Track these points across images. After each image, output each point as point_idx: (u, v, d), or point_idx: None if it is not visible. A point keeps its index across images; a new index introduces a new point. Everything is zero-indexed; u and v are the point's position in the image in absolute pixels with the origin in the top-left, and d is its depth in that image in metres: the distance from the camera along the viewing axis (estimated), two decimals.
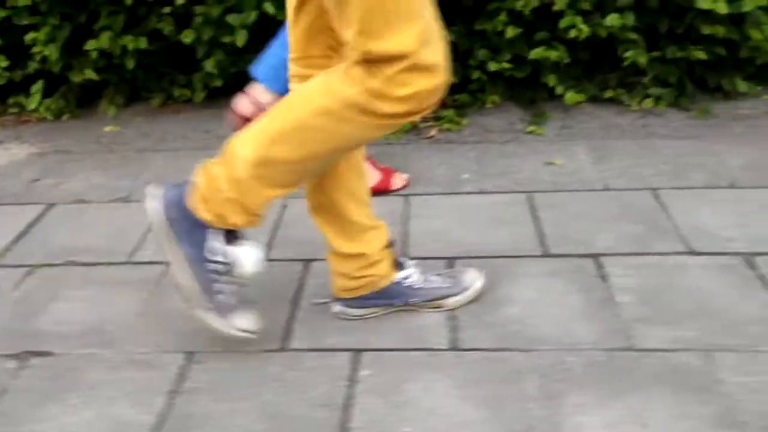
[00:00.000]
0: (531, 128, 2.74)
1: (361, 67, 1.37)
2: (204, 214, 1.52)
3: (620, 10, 2.71)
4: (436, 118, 2.84)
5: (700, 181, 2.31)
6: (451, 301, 1.77)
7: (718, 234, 2.02)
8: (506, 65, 2.79)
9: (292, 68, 1.60)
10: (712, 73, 2.90)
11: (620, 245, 1.99)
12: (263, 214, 1.54)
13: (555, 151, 2.58)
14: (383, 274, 1.73)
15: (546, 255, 1.97)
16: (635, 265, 1.90)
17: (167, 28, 2.80)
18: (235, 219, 1.52)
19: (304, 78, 1.55)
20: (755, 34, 2.66)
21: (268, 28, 2.89)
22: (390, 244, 1.75)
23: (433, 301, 1.76)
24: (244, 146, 1.48)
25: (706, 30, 2.69)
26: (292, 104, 1.46)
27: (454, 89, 2.94)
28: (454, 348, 1.65)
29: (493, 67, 2.80)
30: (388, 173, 2.37)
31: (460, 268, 1.85)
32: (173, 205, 1.54)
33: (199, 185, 1.52)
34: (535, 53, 2.74)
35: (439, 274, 1.80)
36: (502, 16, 2.69)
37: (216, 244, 1.54)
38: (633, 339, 1.64)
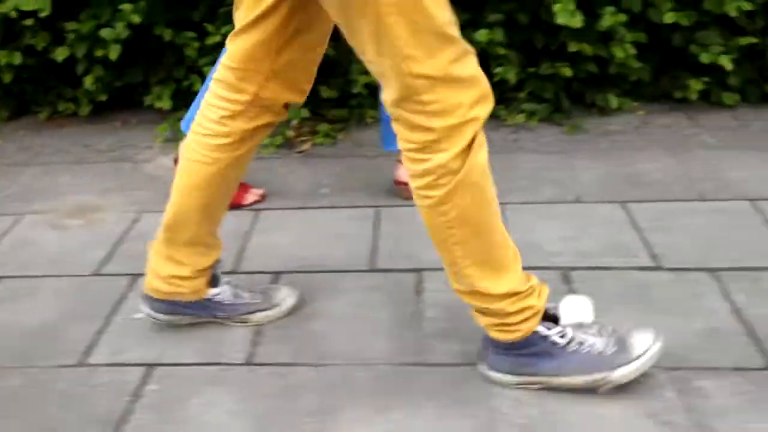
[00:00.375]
0: None
1: (410, 127, 1.40)
2: (522, 333, 1.52)
3: (490, 26, 2.75)
4: (312, 133, 2.86)
5: (548, 196, 2.34)
6: (258, 316, 1.79)
7: (546, 248, 2.05)
8: None
9: (223, 73, 1.60)
10: (589, 88, 2.94)
11: None
12: (531, 280, 1.55)
13: None
14: (193, 290, 1.75)
15: (372, 270, 1.99)
16: None
17: (41, 44, 2.82)
18: (535, 305, 1.52)
19: (232, 87, 1.58)
20: (618, 52, 2.69)
21: (145, 42, 2.91)
22: (214, 264, 1.77)
23: (239, 316, 1.78)
24: (455, 284, 1.53)
25: (574, 47, 2.73)
26: (431, 228, 1.49)
27: (333, 104, 2.97)
28: (248, 363, 1.66)
29: (369, 81, 2.83)
30: (242, 188, 2.39)
31: (275, 285, 1.87)
32: (496, 361, 1.56)
33: (490, 324, 1.53)
34: None
35: (251, 291, 1.81)
36: None
37: (545, 333, 1.53)
38: (425, 354, 1.67)
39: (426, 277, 1.93)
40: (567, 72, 2.75)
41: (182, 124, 2.35)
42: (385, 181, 2.47)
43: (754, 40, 2.72)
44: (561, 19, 2.55)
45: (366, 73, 2.83)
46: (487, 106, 1.42)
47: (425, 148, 1.41)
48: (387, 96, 1.41)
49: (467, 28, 2.78)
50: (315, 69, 1.63)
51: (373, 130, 2.89)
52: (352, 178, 2.53)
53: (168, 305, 1.76)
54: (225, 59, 1.59)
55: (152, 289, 1.75)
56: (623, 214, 2.21)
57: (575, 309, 1.56)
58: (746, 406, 1.49)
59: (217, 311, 1.77)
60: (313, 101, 2.96)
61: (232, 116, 1.60)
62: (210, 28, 2.77)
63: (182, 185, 1.66)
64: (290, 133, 2.83)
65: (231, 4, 2.73)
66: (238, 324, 1.78)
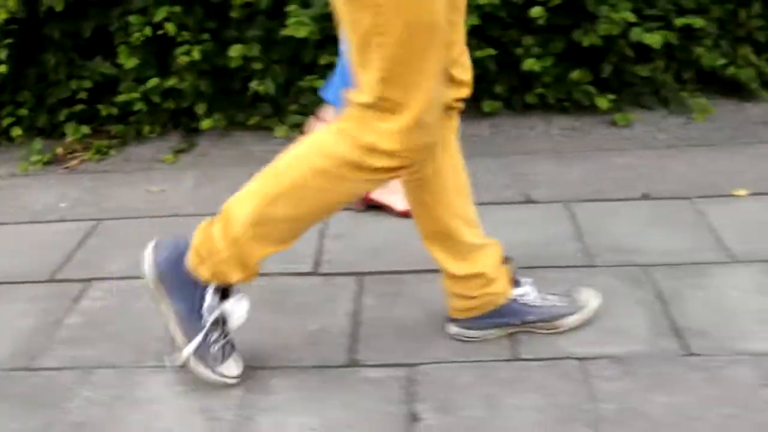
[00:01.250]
0: (167, 157, 2.87)
1: (357, 120, 1.45)
2: (203, 272, 1.59)
3: (246, 42, 2.85)
4: (85, 148, 2.96)
5: None
6: (570, 320, 1.75)
7: None
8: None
9: None
10: None
11: (132, 269, 2.10)
12: (259, 269, 1.62)
13: (167, 178, 2.70)
14: (501, 292, 1.74)
15: (50, 280, 2.09)
16: (124, 288, 2.02)
17: None
18: (234, 276, 1.60)
19: None
20: None
21: None
22: (506, 261, 1.76)
23: (550, 321, 1.75)
24: (241, 207, 1.56)
25: (324, 60, 2.84)
26: (289, 165, 1.54)
27: (111, 120, 3.07)
28: None
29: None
30: None
31: (576, 288, 1.82)
32: (166, 262, 1.62)
33: (197, 245, 1.59)
34: (163, 82, 2.91)
35: (554, 294, 1.79)
36: (122, 49, 2.83)
37: (211, 301, 1.61)
38: (39, 359, 1.76)
39: (92, 287, 2.03)
40: (318, 83, 2.86)
41: (326, 94, 2.35)
42: (123, 194, 2.58)
43: (492, 51, 2.82)
44: (289, 31, 2.67)
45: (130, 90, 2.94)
46: (429, 154, 1.50)
47: (363, 112, 1.45)
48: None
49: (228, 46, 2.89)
50: (464, 58, 1.63)
51: (150, 144, 2.99)
52: (95, 193, 2.63)
53: (477, 320, 1.75)
54: None
55: (456, 310, 1.76)
56: (319, 224, 2.31)
57: (232, 308, 1.64)
58: (300, 401, 1.59)
59: (527, 314, 1.74)
60: (94, 118, 3.07)
61: None
62: None
63: (419, 221, 1.71)
64: (59, 150, 2.93)
65: None
66: (548, 331, 1.75)
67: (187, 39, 2.83)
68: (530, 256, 2.04)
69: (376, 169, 1.48)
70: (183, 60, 2.79)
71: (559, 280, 1.91)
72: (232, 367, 1.65)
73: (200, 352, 1.62)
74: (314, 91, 2.96)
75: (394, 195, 2.32)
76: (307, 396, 1.60)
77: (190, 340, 1.61)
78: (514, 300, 1.74)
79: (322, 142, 1.51)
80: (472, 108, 3.03)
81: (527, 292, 1.75)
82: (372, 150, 1.46)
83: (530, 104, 3.01)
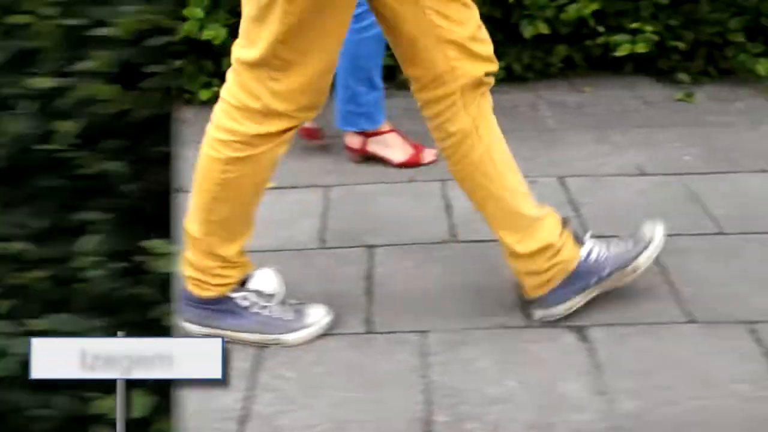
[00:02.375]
0: None
1: (243, 83, 1.53)
2: (213, 293, 1.67)
3: None
4: None
5: None
6: (642, 259, 1.71)
7: None
8: None
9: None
10: None
11: None
12: (244, 257, 1.71)
13: None
14: (570, 258, 1.69)
15: None
16: None
17: None
18: (233, 276, 1.69)
19: None
20: None
21: None
22: (565, 223, 1.72)
23: (624, 268, 1.71)
24: (191, 225, 1.65)
25: None
26: (202, 172, 1.61)
27: None
28: None
29: None
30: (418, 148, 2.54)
31: (634, 232, 1.77)
32: (188, 311, 1.68)
33: (191, 277, 1.67)
34: None
35: (614, 244, 1.74)
36: None
37: (231, 295, 1.69)
38: None
39: None
40: None
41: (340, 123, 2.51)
42: None
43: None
44: None
45: None
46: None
47: (261, 113, 1.55)
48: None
49: None
50: (482, 33, 1.66)
51: None
52: None
53: (556, 293, 1.74)
54: None
55: (532, 288, 1.76)
56: None
57: (262, 279, 1.74)
58: None
59: (600, 270, 1.73)
60: None
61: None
62: None
63: (476, 205, 1.76)
64: None
65: None
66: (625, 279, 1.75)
67: None
68: None
69: (277, 132, 1.55)
70: None
71: None
72: (314, 314, 1.73)
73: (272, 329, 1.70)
74: None
75: (390, 149, 2.49)
76: None
77: (257, 334, 1.70)
78: (585, 260, 1.71)
79: (214, 136, 1.59)
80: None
81: (592, 248, 1.72)
82: (266, 113, 1.52)
83: None
